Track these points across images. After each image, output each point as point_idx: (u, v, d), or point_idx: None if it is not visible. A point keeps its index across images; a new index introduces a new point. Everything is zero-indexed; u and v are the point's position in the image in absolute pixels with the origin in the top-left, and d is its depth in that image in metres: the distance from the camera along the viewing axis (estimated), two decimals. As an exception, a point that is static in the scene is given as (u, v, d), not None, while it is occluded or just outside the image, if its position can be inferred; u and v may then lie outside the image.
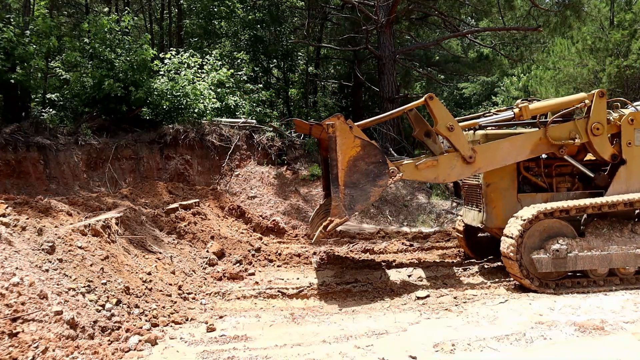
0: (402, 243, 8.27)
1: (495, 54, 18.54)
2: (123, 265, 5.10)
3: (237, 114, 12.87)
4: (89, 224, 5.26)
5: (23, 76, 10.46)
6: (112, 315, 4.10)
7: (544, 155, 6.19)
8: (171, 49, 14.00)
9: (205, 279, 6.11)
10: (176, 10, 18.44)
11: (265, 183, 10.99)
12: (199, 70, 12.97)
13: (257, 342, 4.09)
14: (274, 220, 9.37)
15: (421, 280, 6.17)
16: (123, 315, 4.22)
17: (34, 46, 10.39)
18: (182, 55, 13.05)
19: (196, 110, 11.87)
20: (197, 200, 8.63)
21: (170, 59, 12.81)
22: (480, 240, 7.27)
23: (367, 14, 14.81)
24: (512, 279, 5.73)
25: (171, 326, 4.45)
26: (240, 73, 14.06)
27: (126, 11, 13.49)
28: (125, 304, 4.41)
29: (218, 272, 6.36)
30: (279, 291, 5.72)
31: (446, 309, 4.85)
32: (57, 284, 3.99)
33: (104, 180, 10.30)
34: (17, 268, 3.76)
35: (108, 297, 4.31)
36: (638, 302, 4.86)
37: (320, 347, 3.92)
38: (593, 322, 4.27)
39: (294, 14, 18.58)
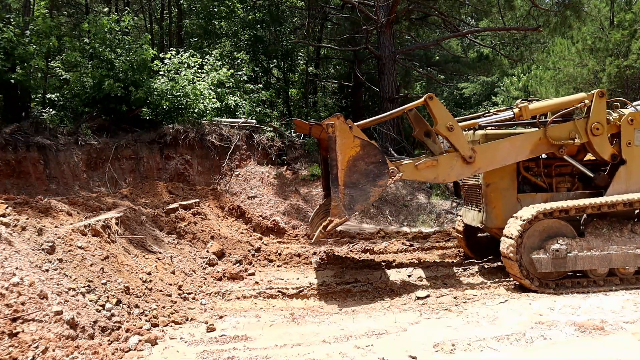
0: (402, 243, 8.27)
1: (495, 54, 18.54)
2: (123, 265, 5.10)
3: (237, 114, 12.87)
4: (89, 224, 5.26)
5: (23, 76, 10.46)
6: (112, 315, 4.10)
7: (543, 155, 6.19)
8: (171, 49, 14.01)
9: (205, 279, 6.11)
10: (176, 10, 18.45)
11: (265, 183, 10.99)
12: (199, 70, 12.97)
13: (257, 342, 4.09)
14: (274, 220, 9.37)
15: (421, 280, 6.17)
16: (123, 315, 4.22)
17: (34, 46, 10.39)
18: (182, 55, 13.05)
19: (196, 110, 11.87)
20: (197, 200, 8.63)
21: (170, 59, 12.81)
22: (480, 240, 7.28)
23: (367, 14, 14.80)
24: (512, 279, 5.73)
25: (171, 326, 4.45)
26: (240, 73, 14.06)
27: (126, 11, 13.49)
28: (125, 304, 4.41)
29: (218, 272, 6.36)
30: (279, 291, 5.72)
31: (446, 309, 4.85)
32: (57, 284, 3.99)
33: (104, 180, 10.30)
34: (17, 268, 3.76)
35: (108, 297, 4.31)
36: (638, 302, 4.86)
37: (320, 347, 3.92)
38: (593, 322, 4.27)
39: (294, 14, 18.58)
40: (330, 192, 5.51)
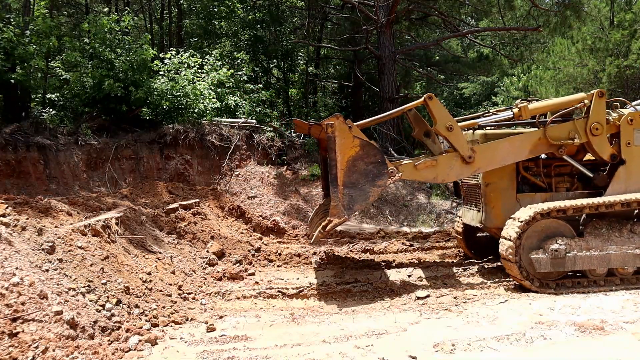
0: (402, 243, 8.27)
1: (495, 54, 18.54)
2: (123, 265, 5.10)
3: (237, 114, 12.87)
4: (89, 224, 5.26)
5: (23, 76, 10.46)
6: (112, 315, 4.10)
7: (543, 155, 6.19)
8: (171, 49, 14.01)
9: (205, 279, 6.11)
10: (176, 10, 18.44)
11: (265, 183, 10.99)
12: (199, 70, 12.97)
13: (257, 342, 4.09)
14: (274, 220, 9.37)
15: (421, 280, 6.17)
16: (123, 315, 4.22)
17: (34, 46, 10.39)
18: (182, 55, 13.05)
19: (196, 110, 11.87)
20: (197, 200, 8.63)
21: (170, 59, 12.81)
22: (479, 240, 7.27)
23: (367, 14, 14.80)
24: (512, 279, 5.73)
25: (171, 326, 4.45)
26: (240, 73, 14.06)
27: (126, 11, 13.49)
28: (125, 304, 4.41)
29: (218, 272, 6.36)
30: (279, 291, 5.72)
31: (446, 309, 4.85)
32: (57, 284, 3.99)
33: (104, 180, 10.30)
34: (17, 268, 3.76)
35: (108, 297, 4.31)
36: (638, 302, 4.86)
37: (320, 347, 3.92)
38: (593, 322, 4.27)
39: (294, 14, 18.58)
40: (329, 192, 5.51)
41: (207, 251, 6.93)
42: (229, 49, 16.17)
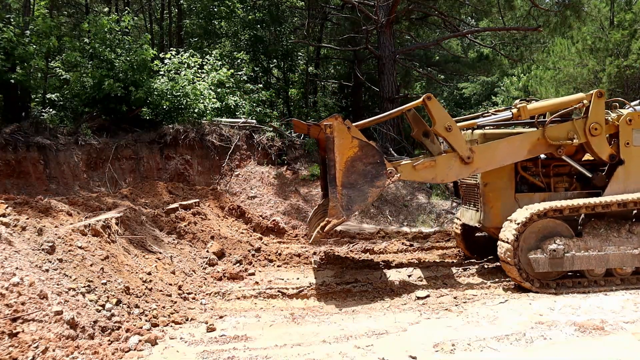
0: (402, 243, 8.26)
1: (495, 54, 18.54)
2: (123, 265, 5.10)
3: (237, 114, 12.87)
4: (89, 224, 5.26)
5: (23, 76, 10.46)
6: (112, 315, 4.10)
7: (542, 155, 6.18)
8: (171, 49, 14.01)
9: (205, 279, 6.11)
10: (176, 10, 18.44)
11: (265, 183, 10.99)
12: (199, 70, 12.97)
13: (257, 342, 4.09)
14: (274, 220, 9.37)
15: (421, 280, 6.17)
16: (123, 315, 4.22)
17: (34, 46, 10.39)
18: (182, 55, 13.05)
19: (196, 110, 11.87)
20: (197, 200, 8.62)
21: (170, 59, 12.81)
22: (478, 239, 7.27)
23: (367, 14, 14.80)
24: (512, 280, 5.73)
25: (171, 326, 4.45)
26: (240, 73, 14.06)
27: (126, 11, 13.50)
28: (125, 304, 4.41)
29: (218, 272, 6.36)
30: (279, 291, 5.72)
31: (446, 309, 4.85)
32: (57, 284, 3.99)
33: (104, 180, 10.30)
34: (17, 268, 3.76)
35: (108, 297, 4.31)
36: (638, 302, 4.86)
37: (320, 347, 3.92)
38: (593, 322, 4.27)
39: (294, 14, 18.58)
40: (328, 192, 5.51)
41: (207, 251, 6.93)
42: (229, 49, 16.17)
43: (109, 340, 3.81)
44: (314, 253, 7.76)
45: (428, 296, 5.35)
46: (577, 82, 16.63)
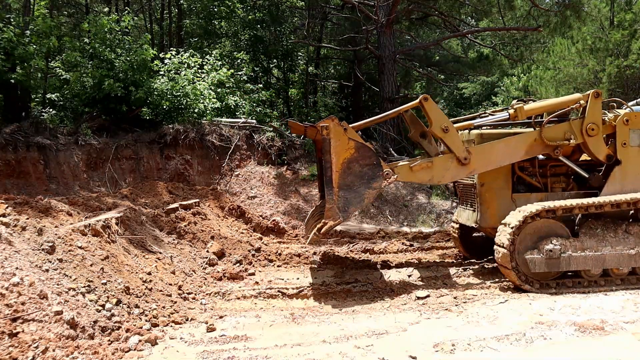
0: (402, 243, 8.26)
1: (495, 54, 18.54)
2: (123, 265, 5.10)
3: (237, 114, 12.87)
4: (89, 224, 5.26)
5: (23, 76, 10.47)
6: (112, 315, 4.10)
7: (540, 156, 6.17)
8: (171, 49, 14.01)
9: (205, 279, 6.11)
10: (176, 10, 18.44)
11: (265, 183, 11.00)
12: (199, 70, 12.97)
13: (257, 342, 4.09)
14: (274, 220, 9.37)
15: (421, 280, 6.17)
16: (123, 315, 4.22)
17: (34, 46, 10.39)
18: (182, 55, 13.05)
19: (196, 110, 11.87)
20: (197, 200, 8.62)
21: (170, 59, 12.82)
22: (475, 240, 7.26)
23: (367, 14, 14.81)
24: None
25: (171, 326, 4.45)
26: (240, 73, 14.06)
27: (126, 11, 13.50)
28: (125, 304, 4.41)
29: (218, 272, 6.36)
30: (279, 291, 5.72)
31: (446, 309, 4.85)
32: (57, 284, 3.99)
33: (104, 180, 10.31)
34: (17, 268, 3.76)
35: (108, 297, 4.31)
36: (638, 302, 4.86)
37: (320, 347, 3.92)
38: (593, 322, 4.27)
39: (294, 14, 18.58)
40: (325, 194, 5.50)
41: (207, 251, 6.93)
42: (229, 49, 16.17)
43: (109, 340, 3.81)
44: (314, 253, 7.76)
45: (428, 296, 5.35)
46: (577, 82, 16.63)
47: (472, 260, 7.09)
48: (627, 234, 5.50)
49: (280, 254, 7.61)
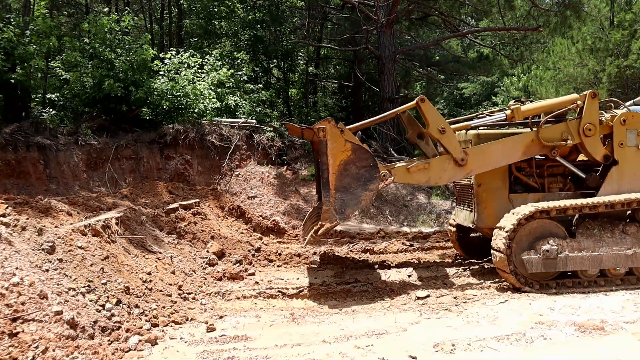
0: (402, 243, 8.26)
1: (495, 54, 18.54)
2: (123, 265, 5.10)
3: (237, 114, 12.88)
4: (89, 224, 5.26)
5: (23, 76, 10.47)
6: (112, 315, 4.10)
7: (537, 156, 6.16)
8: (171, 49, 14.02)
9: (205, 279, 6.11)
10: (176, 10, 18.45)
11: (265, 183, 11.00)
12: (199, 70, 12.97)
13: (257, 342, 4.09)
14: (274, 220, 9.37)
15: (421, 280, 6.17)
16: (123, 315, 4.22)
17: (34, 46, 10.39)
18: (182, 55, 13.05)
19: (196, 110, 11.87)
20: (197, 200, 8.62)
21: (170, 59, 12.82)
22: (472, 240, 7.25)
23: (367, 14, 14.81)
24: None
25: (171, 326, 4.45)
26: (240, 73, 14.06)
27: (126, 11, 13.50)
28: (125, 304, 4.41)
29: (218, 272, 6.36)
30: (279, 291, 5.72)
31: (446, 309, 4.85)
32: (57, 284, 3.99)
33: (104, 180, 10.31)
34: (17, 268, 3.76)
35: (108, 297, 4.31)
36: (638, 302, 4.86)
37: (320, 347, 3.92)
38: (593, 322, 4.27)
39: (294, 14, 18.58)
40: (322, 195, 5.50)
41: (207, 251, 6.93)
42: (229, 49, 16.17)
43: (109, 340, 3.81)
44: (314, 253, 7.76)
45: (428, 296, 5.35)
46: (577, 82, 16.64)
47: (472, 261, 7.09)
48: (624, 234, 5.49)
49: (280, 254, 7.62)
